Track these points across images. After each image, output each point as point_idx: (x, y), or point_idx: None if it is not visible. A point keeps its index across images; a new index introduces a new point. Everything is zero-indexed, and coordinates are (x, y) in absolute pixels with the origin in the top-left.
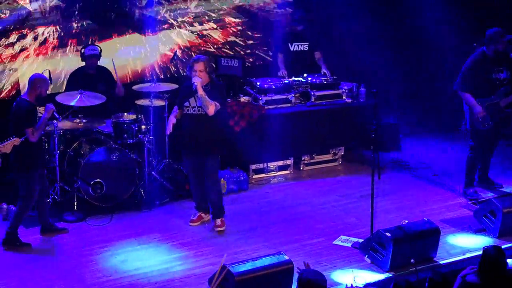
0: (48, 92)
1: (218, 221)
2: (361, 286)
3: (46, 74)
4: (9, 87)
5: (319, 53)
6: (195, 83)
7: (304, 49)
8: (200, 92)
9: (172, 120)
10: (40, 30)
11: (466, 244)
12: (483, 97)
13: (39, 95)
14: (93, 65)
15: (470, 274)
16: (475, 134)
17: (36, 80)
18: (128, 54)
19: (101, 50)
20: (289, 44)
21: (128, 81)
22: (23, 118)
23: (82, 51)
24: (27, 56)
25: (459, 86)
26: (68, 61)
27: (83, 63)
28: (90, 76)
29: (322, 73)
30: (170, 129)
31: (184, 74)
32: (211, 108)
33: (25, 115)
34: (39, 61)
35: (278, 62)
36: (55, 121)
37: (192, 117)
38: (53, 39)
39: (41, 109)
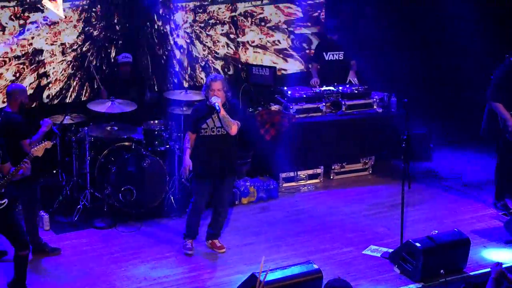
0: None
1: (218, 243)
2: None
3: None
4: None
5: (354, 61)
6: (216, 103)
7: (339, 58)
8: (223, 112)
9: (188, 163)
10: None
11: (496, 255)
12: None
13: (21, 104)
14: (126, 72)
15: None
16: (504, 146)
17: (13, 91)
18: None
19: (133, 57)
20: (324, 53)
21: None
22: (16, 131)
23: (116, 58)
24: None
25: (491, 96)
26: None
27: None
28: (122, 82)
29: (348, 81)
30: (187, 174)
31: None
32: (234, 127)
33: (18, 127)
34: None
35: (312, 71)
36: (54, 136)
37: (212, 139)
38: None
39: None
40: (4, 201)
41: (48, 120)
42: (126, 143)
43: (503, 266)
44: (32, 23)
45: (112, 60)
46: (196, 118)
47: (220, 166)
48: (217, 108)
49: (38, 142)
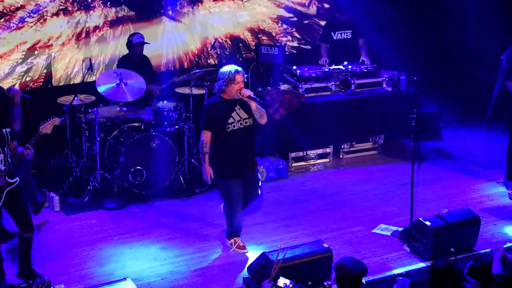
0: (89, 80)
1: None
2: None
3: (87, 62)
4: (43, 75)
5: (362, 40)
6: (251, 95)
7: (347, 37)
8: (255, 103)
9: (209, 171)
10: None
11: (506, 233)
12: None
13: None
14: (139, 53)
15: None
16: None
17: None
18: (166, 42)
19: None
20: (332, 33)
21: (172, 69)
22: None
23: (130, 39)
24: (62, 44)
25: (507, 76)
26: (105, 48)
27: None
28: (135, 63)
29: (361, 60)
30: (209, 182)
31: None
32: (265, 116)
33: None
34: (75, 48)
35: (322, 50)
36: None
37: (239, 132)
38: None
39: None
40: (16, 179)
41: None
42: (136, 124)
43: (506, 246)
44: None
45: (127, 40)
46: (214, 114)
47: (250, 159)
48: (258, 99)
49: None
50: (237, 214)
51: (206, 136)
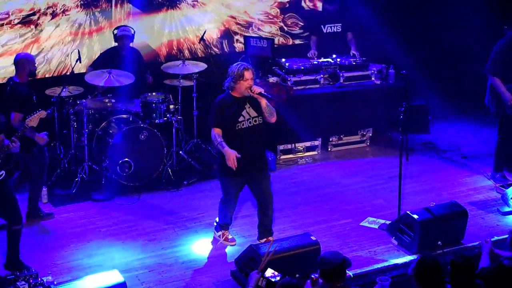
0: (80, 71)
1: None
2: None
3: (76, 53)
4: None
5: (351, 33)
6: (262, 92)
7: (337, 30)
8: (265, 100)
9: (233, 151)
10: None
11: (494, 227)
12: None
13: (30, 73)
14: (125, 46)
15: (506, 259)
16: (504, 120)
17: (20, 60)
18: (155, 33)
19: (134, 31)
20: (322, 26)
21: (158, 61)
22: (18, 101)
23: (115, 32)
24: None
25: (489, 70)
26: (103, 41)
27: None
28: (121, 56)
29: (351, 54)
30: (235, 163)
31: (214, 53)
32: (275, 114)
33: (20, 99)
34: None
35: (311, 43)
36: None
37: (249, 130)
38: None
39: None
40: (1, 173)
41: (44, 136)
42: (124, 116)
43: (493, 239)
44: None
45: (113, 33)
46: (224, 113)
47: (258, 158)
48: (269, 96)
49: (24, 131)
50: (230, 209)
51: (217, 131)
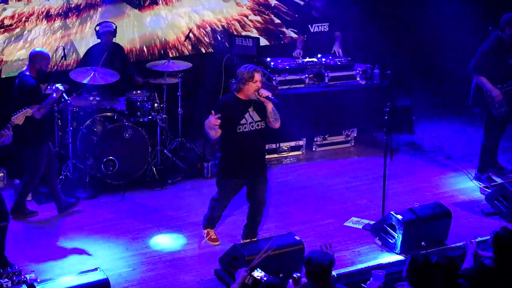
0: (61, 68)
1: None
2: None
3: (60, 51)
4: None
5: (339, 33)
6: (269, 96)
7: (325, 29)
8: (271, 104)
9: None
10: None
11: (478, 228)
12: (500, 83)
13: (40, 70)
14: (108, 42)
15: (488, 258)
16: (490, 120)
17: (36, 56)
18: (142, 31)
19: (116, 27)
20: (310, 25)
21: (143, 59)
22: (29, 94)
23: (97, 28)
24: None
25: (475, 70)
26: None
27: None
28: (105, 52)
29: (332, 51)
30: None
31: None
32: (279, 120)
33: (30, 91)
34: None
35: (297, 43)
36: (64, 102)
37: (249, 134)
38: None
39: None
40: None
41: (58, 88)
42: (109, 114)
43: (477, 240)
44: None
45: (95, 30)
46: (226, 114)
47: (257, 163)
48: (276, 100)
49: (47, 107)
50: (219, 209)
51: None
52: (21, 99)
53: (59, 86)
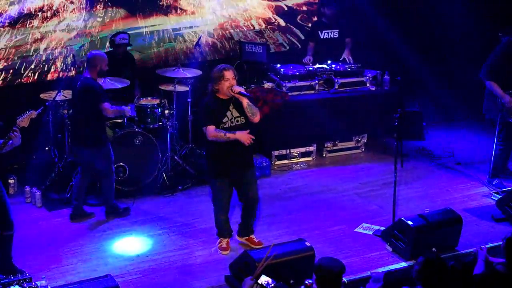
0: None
1: (255, 238)
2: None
3: (71, 58)
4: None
5: (349, 39)
6: (242, 91)
7: (335, 36)
8: (246, 100)
9: (245, 133)
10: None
11: (488, 233)
12: (511, 89)
13: (100, 71)
14: (122, 52)
15: (499, 264)
16: (504, 126)
17: (95, 58)
18: (151, 38)
19: (129, 36)
20: (320, 32)
21: (152, 65)
22: (96, 95)
23: (113, 38)
24: (51, 39)
25: (486, 75)
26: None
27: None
28: (117, 61)
29: (343, 58)
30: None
31: (210, 59)
32: (258, 114)
33: (97, 91)
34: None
35: (307, 49)
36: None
37: (231, 130)
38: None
39: None
40: None
41: (128, 110)
42: (119, 120)
43: (488, 246)
44: None
45: (109, 40)
46: (212, 110)
47: (242, 159)
48: (247, 94)
49: (115, 112)
50: (219, 216)
51: (211, 128)
52: (87, 102)
53: (129, 109)
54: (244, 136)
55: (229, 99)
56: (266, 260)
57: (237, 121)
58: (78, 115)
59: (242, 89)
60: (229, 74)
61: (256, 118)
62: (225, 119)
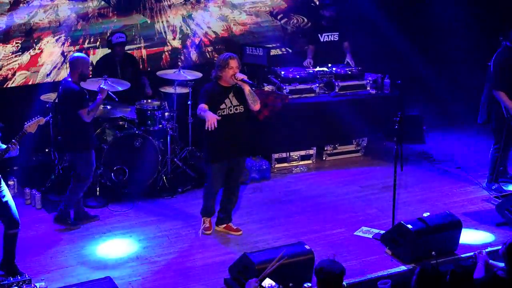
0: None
1: (233, 225)
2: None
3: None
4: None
5: (347, 43)
6: (245, 78)
7: (334, 39)
8: (248, 87)
9: (214, 115)
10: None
11: (488, 238)
12: None
13: (81, 74)
14: (120, 53)
15: (500, 270)
16: (504, 132)
17: (76, 61)
18: (152, 39)
19: (127, 37)
20: (319, 34)
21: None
22: (75, 100)
23: (109, 38)
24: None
25: (496, 86)
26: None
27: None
28: (116, 62)
29: (346, 62)
30: (214, 123)
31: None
32: (258, 102)
33: (76, 97)
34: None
35: (308, 52)
36: (111, 103)
37: (230, 118)
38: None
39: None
40: None
41: (102, 88)
42: (119, 122)
43: (487, 250)
44: None
45: (106, 40)
46: (211, 94)
47: (237, 145)
48: (250, 82)
49: (95, 109)
50: (211, 199)
51: (202, 105)
52: (67, 106)
53: (103, 85)
54: (211, 118)
55: (231, 87)
56: (278, 262)
57: (236, 109)
58: (61, 118)
59: (245, 77)
60: (233, 63)
61: (257, 106)
62: (222, 106)
